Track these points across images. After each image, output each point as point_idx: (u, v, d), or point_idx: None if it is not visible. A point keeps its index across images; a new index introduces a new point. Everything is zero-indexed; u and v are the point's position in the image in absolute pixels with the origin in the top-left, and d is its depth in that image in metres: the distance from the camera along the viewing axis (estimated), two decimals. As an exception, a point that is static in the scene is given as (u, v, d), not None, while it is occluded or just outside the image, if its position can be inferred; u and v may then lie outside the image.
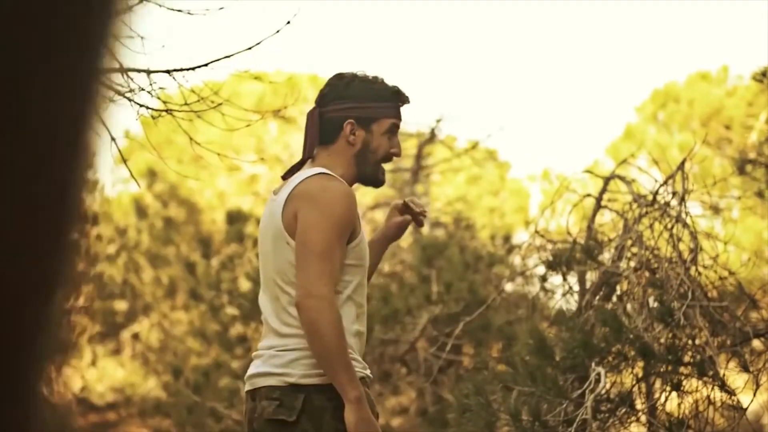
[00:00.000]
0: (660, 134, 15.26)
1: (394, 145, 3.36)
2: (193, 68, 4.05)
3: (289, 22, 3.98)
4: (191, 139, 4.31)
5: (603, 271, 5.27)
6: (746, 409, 4.74)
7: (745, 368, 4.79)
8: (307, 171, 3.22)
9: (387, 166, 3.52)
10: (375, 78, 3.35)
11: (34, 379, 0.99)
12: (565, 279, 5.55)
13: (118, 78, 4.01)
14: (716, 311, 4.85)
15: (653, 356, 4.66)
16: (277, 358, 3.15)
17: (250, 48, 4.03)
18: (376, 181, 3.39)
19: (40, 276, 0.96)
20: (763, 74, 6.32)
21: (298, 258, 3.10)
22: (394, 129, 3.35)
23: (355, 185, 3.40)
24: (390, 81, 3.38)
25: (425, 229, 10.51)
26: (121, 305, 14.86)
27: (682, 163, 5.35)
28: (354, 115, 3.28)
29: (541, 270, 5.92)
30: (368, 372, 3.26)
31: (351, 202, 3.16)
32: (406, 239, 10.44)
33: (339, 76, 3.34)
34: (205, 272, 10.13)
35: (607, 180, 5.72)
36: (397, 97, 3.35)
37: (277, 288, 3.19)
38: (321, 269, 3.05)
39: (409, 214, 3.57)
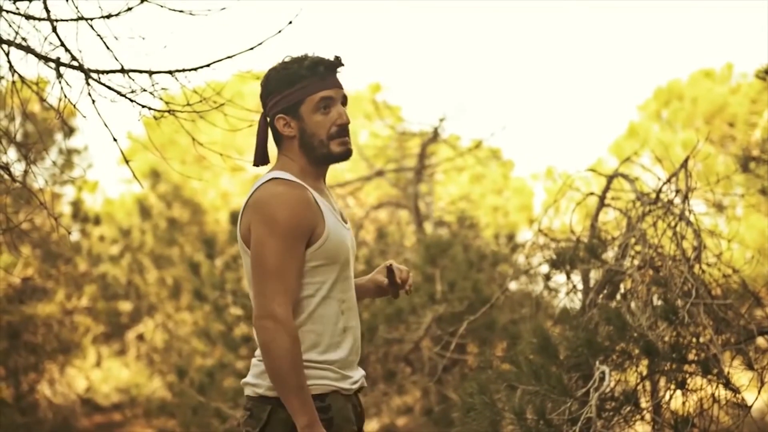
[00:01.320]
0: (663, 132, 15.24)
1: (336, 116, 3.15)
2: (195, 69, 4.05)
3: (291, 22, 3.97)
4: (194, 139, 4.30)
5: (607, 270, 5.26)
6: (751, 406, 4.73)
7: (749, 366, 4.78)
8: (263, 177, 3.15)
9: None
10: (291, 61, 3.18)
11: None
12: (568, 277, 5.55)
13: (120, 79, 4.02)
14: (720, 309, 4.85)
15: (657, 354, 4.66)
16: (254, 368, 3.15)
17: (252, 48, 4.03)
18: (336, 157, 3.18)
19: None
20: (767, 72, 6.30)
21: (253, 277, 3.04)
22: (327, 102, 3.15)
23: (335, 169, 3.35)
24: (311, 53, 3.18)
25: (429, 229, 10.50)
26: (125, 306, 14.86)
27: (686, 161, 5.34)
28: (280, 109, 3.16)
29: (544, 269, 5.92)
30: (347, 383, 3.14)
31: (298, 204, 3.03)
32: (409, 238, 10.43)
33: (264, 75, 3.22)
34: (209, 272, 10.13)
35: (610, 178, 5.72)
36: (313, 71, 3.14)
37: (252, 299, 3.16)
38: (274, 288, 2.98)
39: (390, 281, 3.39)
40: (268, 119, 3.24)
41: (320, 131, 3.15)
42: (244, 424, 3.10)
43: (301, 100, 3.14)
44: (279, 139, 3.22)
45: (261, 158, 3.30)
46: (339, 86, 3.19)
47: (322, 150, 3.16)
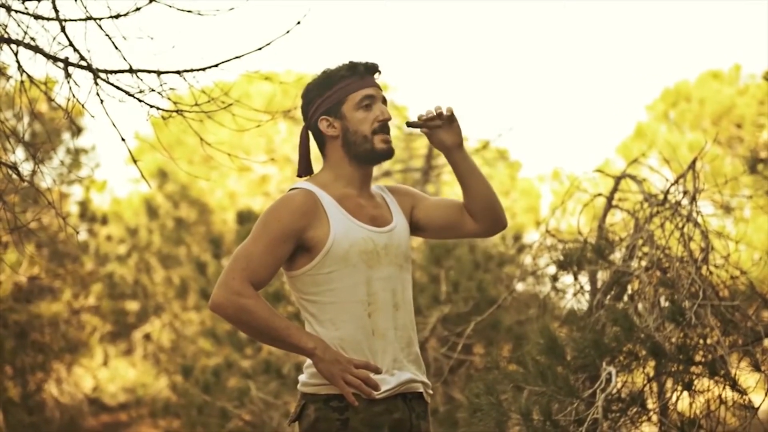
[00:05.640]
0: (671, 133, 15.23)
1: (378, 112, 3.19)
2: (203, 69, 4.05)
3: (299, 23, 3.98)
4: (201, 139, 4.31)
5: (614, 271, 5.26)
6: (758, 408, 4.72)
7: (756, 367, 4.77)
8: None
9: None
10: (332, 67, 3.23)
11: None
12: (576, 278, 5.54)
13: (128, 79, 4.02)
14: (727, 310, 4.84)
15: (664, 356, 4.65)
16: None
17: (260, 48, 4.03)
18: (379, 153, 3.21)
19: None
20: (775, 73, 6.29)
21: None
22: (368, 100, 3.18)
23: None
24: (348, 59, 3.24)
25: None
26: (132, 305, 14.90)
27: (693, 162, 5.33)
28: (322, 111, 3.20)
29: (552, 270, 5.91)
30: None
31: (292, 208, 3.10)
32: (415, 239, 10.42)
33: (305, 88, 3.28)
34: (216, 272, 10.14)
35: (618, 179, 5.71)
36: (353, 71, 3.20)
37: None
38: (235, 266, 3.06)
39: (424, 126, 3.24)
40: (310, 127, 3.27)
41: (363, 127, 3.18)
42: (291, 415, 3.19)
43: (342, 99, 3.19)
44: (323, 144, 3.26)
45: (304, 170, 3.33)
46: (378, 87, 3.24)
47: (366, 146, 3.19)
